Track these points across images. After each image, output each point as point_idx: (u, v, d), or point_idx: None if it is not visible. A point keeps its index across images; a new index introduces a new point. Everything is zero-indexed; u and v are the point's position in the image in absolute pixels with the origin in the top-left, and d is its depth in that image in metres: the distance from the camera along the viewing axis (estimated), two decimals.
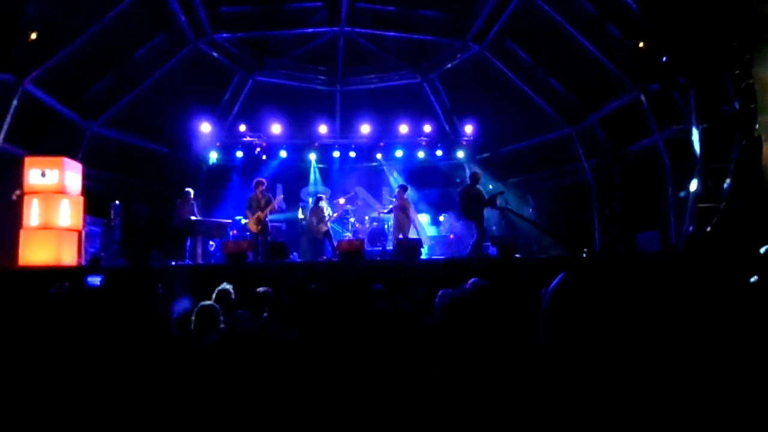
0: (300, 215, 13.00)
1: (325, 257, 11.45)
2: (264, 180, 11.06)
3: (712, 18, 9.36)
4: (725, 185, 9.84)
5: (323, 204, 11.61)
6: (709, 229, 9.70)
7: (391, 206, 11.75)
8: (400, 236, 10.80)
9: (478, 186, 10.20)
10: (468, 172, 15.32)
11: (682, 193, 10.79)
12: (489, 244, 10.36)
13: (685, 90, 10.28)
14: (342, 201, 12.79)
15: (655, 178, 11.45)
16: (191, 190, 11.17)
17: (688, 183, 10.49)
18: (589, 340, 0.81)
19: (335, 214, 11.97)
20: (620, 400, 0.82)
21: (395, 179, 14.72)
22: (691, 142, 10.39)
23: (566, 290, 0.88)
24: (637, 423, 0.82)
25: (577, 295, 0.85)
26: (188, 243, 10.63)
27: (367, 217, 13.31)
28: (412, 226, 11.48)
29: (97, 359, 1.17)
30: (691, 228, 10.23)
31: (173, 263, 9.70)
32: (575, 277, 0.89)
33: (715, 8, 9.35)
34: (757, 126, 9.50)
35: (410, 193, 11.95)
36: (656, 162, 11.41)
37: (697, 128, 10.24)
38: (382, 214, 12.73)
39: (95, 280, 7.18)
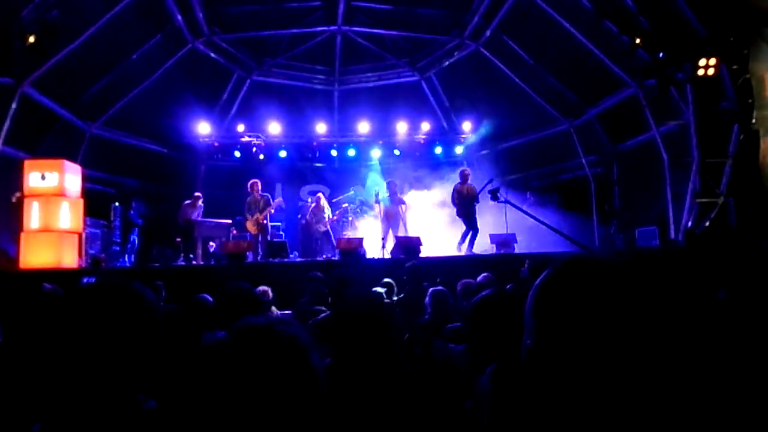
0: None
1: (324, 255, 11.45)
2: (258, 181, 11.05)
3: (708, 13, 9.38)
4: (723, 180, 9.89)
5: (323, 203, 11.60)
6: (707, 224, 9.74)
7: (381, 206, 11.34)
8: (389, 234, 10.82)
9: (468, 183, 10.20)
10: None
11: (680, 188, 10.81)
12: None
13: (682, 85, 10.31)
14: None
15: (653, 174, 11.47)
16: (201, 195, 11.17)
17: (686, 178, 10.52)
18: (582, 340, 0.76)
19: (335, 216, 11.95)
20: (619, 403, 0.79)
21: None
22: (688, 137, 10.42)
23: (555, 286, 0.82)
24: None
25: (567, 291, 0.79)
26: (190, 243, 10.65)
27: (366, 215, 13.28)
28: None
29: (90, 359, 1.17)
30: (689, 223, 10.27)
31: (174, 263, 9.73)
32: (564, 271, 0.83)
33: (711, 3, 9.37)
34: (754, 121, 9.55)
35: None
36: (654, 157, 11.43)
37: (695, 123, 10.27)
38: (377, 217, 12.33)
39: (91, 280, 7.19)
